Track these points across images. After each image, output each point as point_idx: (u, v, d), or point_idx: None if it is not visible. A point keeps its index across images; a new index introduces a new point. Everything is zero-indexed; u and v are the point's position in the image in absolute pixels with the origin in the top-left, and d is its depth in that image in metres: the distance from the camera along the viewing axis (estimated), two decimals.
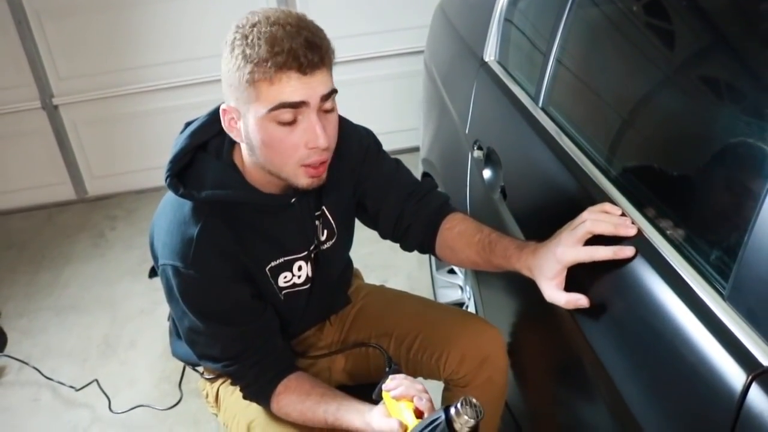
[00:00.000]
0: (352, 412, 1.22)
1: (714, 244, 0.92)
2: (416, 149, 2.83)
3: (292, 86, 1.05)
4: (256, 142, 1.12)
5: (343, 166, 1.30)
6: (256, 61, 1.03)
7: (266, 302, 1.31)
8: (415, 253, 2.79)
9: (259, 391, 1.31)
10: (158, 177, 3.73)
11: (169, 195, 1.23)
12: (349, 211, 1.43)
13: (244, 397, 1.34)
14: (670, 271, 0.92)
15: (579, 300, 1.04)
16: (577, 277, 1.06)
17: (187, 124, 1.25)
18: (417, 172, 2.51)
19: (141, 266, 2.96)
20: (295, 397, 1.28)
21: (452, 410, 1.00)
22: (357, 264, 1.69)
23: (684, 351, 0.86)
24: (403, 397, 1.14)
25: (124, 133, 3.53)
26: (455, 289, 2.31)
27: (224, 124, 1.15)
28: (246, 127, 1.11)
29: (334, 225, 1.37)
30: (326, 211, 1.35)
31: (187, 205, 1.19)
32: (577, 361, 1.14)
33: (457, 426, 0.99)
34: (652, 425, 0.89)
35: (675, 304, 0.89)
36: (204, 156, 1.21)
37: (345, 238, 1.43)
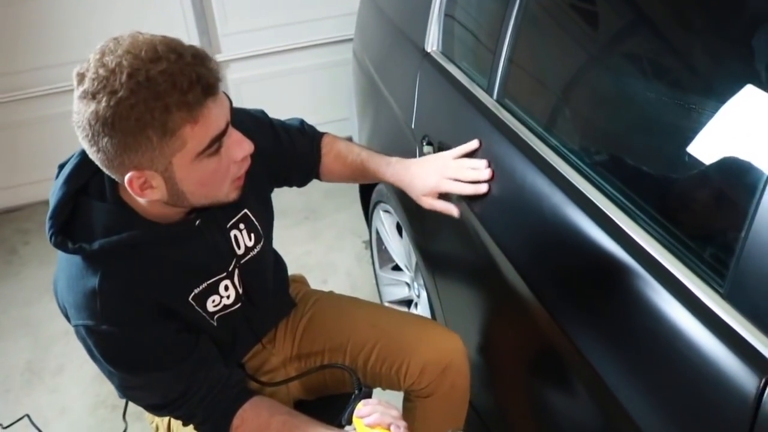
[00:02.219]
0: None
1: (706, 240, 0.90)
2: (348, 140, 2.76)
3: (215, 114, 0.94)
4: (190, 187, 1.00)
5: (253, 159, 1.17)
6: (171, 108, 0.88)
7: (197, 332, 1.20)
8: (353, 251, 2.74)
9: (214, 427, 1.20)
10: None
11: (60, 252, 1.08)
12: (268, 202, 1.35)
13: None
14: (661, 271, 0.90)
15: (450, 208, 1.33)
16: (565, 280, 1.03)
17: (60, 167, 1.09)
18: None
19: None
20: (255, 430, 1.18)
21: None
22: (294, 265, 1.62)
23: (687, 354, 0.83)
24: (378, 425, 1.07)
25: (30, 139, 3.28)
26: (401, 286, 2.26)
27: (134, 192, 0.98)
28: (172, 180, 0.98)
29: (259, 226, 1.28)
30: (249, 214, 1.25)
31: (80, 257, 1.05)
32: (560, 366, 1.12)
33: None
34: None
35: (671, 304, 0.86)
36: (87, 201, 1.05)
37: (269, 236, 1.35)
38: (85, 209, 1.05)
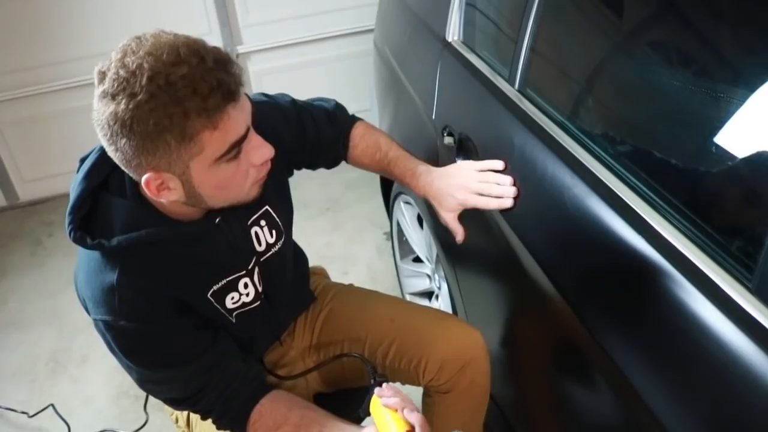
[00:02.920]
0: None
1: (733, 234, 0.87)
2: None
3: (234, 120, 0.92)
4: (208, 191, 1.00)
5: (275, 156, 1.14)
6: (190, 114, 0.87)
7: (215, 328, 1.19)
8: (374, 242, 2.76)
9: (232, 422, 1.20)
10: None
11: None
12: (288, 197, 1.34)
13: (218, 429, 1.23)
14: (687, 266, 0.87)
15: (459, 231, 1.34)
16: (587, 274, 1.01)
17: (82, 161, 1.08)
18: None
19: None
20: (272, 425, 1.17)
21: None
22: (314, 256, 1.60)
23: (714, 350, 0.81)
24: (396, 408, 1.06)
25: (54, 132, 3.30)
26: (422, 278, 2.24)
27: (150, 194, 0.98)
28: (189, 183, 0.97)
29: (279, 223, 1.26)
30: (270, 210, 1.24)
31: (99, 251, 1.05)
32: (581, 360, 1.10)
33: None
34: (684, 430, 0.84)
35: (698, 300, 0.84)
36: (107, 196, 1.05)
37: (289, 231, 1.34)
38: (104, 205, 1.04)
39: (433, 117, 1.65)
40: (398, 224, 2.27)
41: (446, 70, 1.61)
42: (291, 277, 1.39)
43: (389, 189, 2.27)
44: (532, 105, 1.28)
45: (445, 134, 1.55)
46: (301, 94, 1.47)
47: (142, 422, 2.09)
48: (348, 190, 3.24)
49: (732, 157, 0.89)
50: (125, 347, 1.08)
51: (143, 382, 1.16)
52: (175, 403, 1.21)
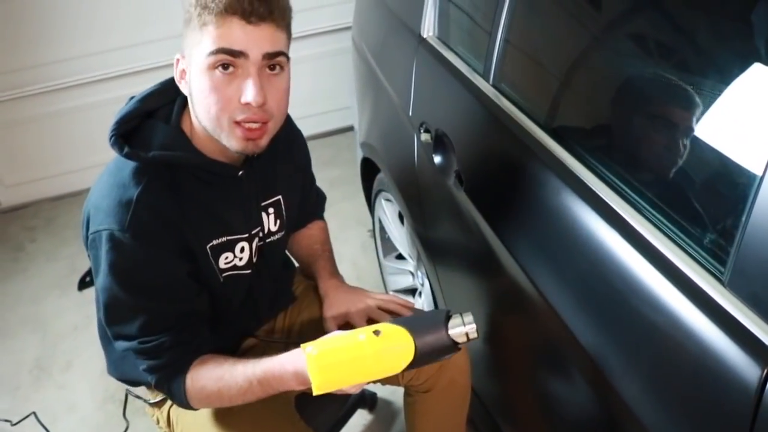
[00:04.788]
0: (281, 356, 1.12)
1: (706, 226, 0.87)
2: (350, 129, 2.73)
3: (235, 34, 1.00)
4: (196, 91, 1.06)
5: (296, 158, 1.29)
6: (205, 4, 1.00)
7: (202, 285, 1.20)
8: (359, 240, 2.79)
9: (172, 374, 1.16)
10: (76, 181, 3.44)
11: (109, 164, 1.14)
12: (296, 205, 1.38)
13: (156, 383, 1.19)
14: (661, 259, 0.87)
15: None
16: (563, 269, 1.01)
17: (132, 97, 1.17)
18: (356, 156, 2.42)
19: (69, 278, 2.76)
20: (212, 365, 1.15)
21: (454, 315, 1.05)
22: None
23: (687, 344, 0.81)
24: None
25: (35, 136, 3.26)
26: (405, 275, 2.23)
27: (176, 75, 1.11)
28: (189, 75, 1.07)
29: (285, 217, 1.31)
30: (282, 200, 1.30)
31: (129, 167, 1.10)
32: (560, 355, 1.09)
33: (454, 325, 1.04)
34: (658, 424, 0.84)
35: (671, 293, 0.84)
36: (152, 122, 1.15)
37: (288, 232, 1.38)
38: (148, 127, 1.13)
39: (410, 113, 1.64)
40: (380, 221, 2.26)
41: (422, 66, 1.61)
42: (279, 268, 1.42)
43: (371, 186, 2.26)
44: (506, 100, 1.27)
45: (422, 131, 1.54)
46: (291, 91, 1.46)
47: (123, 429, 2.07)
48: (331, 189, 3.21)
49: (705, 149, 0.89)
50: (117, 263, 1.09)
51: (112, 306, 1.13)
52: (128, 338, 1.16)
